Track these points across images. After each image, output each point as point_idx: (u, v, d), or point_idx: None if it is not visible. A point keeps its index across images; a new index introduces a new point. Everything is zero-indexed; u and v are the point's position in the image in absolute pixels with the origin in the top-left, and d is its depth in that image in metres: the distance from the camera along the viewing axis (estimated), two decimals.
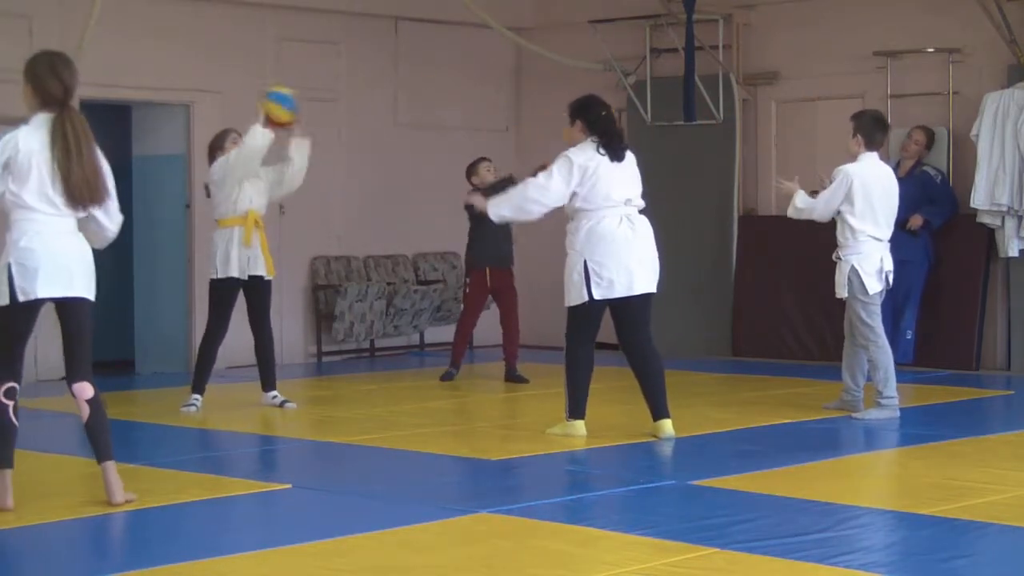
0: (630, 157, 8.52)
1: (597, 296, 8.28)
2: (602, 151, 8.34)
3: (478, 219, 11.25)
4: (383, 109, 13.96)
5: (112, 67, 11.82)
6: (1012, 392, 10.93)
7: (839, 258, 9.25)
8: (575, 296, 8.34)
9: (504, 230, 11.35)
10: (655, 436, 8.43)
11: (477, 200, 8.93)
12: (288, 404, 9.98)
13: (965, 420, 9.38)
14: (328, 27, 13.46)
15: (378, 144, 13.88)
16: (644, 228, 8.46)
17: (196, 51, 12.49)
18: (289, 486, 7.01)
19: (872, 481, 7.58)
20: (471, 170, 11.51)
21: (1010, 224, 11.73)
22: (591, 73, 13.80)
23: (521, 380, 11.29)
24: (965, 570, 5.37)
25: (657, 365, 8.50)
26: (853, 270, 9.13)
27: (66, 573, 5.60)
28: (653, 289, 8.45)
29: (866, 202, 9.13)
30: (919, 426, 8.94)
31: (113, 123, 13.03)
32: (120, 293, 12.95)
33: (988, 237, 11.99)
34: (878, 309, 9.22)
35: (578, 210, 8.35)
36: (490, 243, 11.34)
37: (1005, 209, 11.68)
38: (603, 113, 8.48)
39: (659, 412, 8.48)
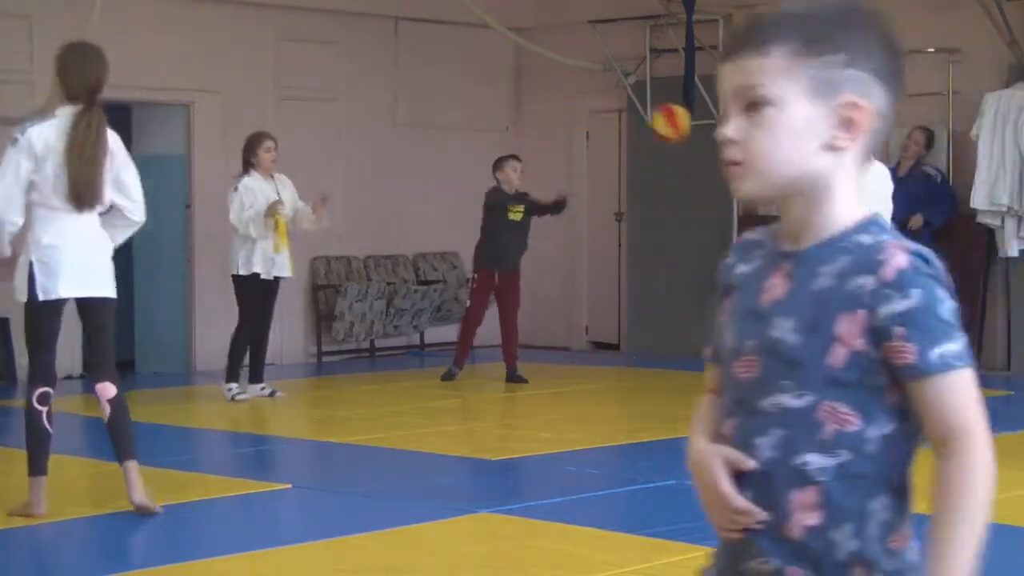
0: None
1: None
2: None
3: (495, 219, 11.23)
4: (383, 109, 13.96)
5: (112, 67, 11.69)
6: (1012, 392, 10.93)
7: None
8: None
9: (521, 237, 11.33)
10: None
11: None
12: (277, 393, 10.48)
13: None
14: (328, 27, 13.46)
15: (378, 144, 13.87)
16: None
17: (196, 51, 12.49)
18: (289, 486, 7.01)
19: None
20: (497, 166, 11.46)
21: (1010, 224, 11.73)
22: (591, 73, 13.80)
23: (521, 380, 11.29)
24: None
25: None
26: None
27: (67, 573, 5.60)
28: None
29: None
30: None
31: (113, 123, 12.92)
32: (120, 293, 12.82)
33: (988, 237, 11.99)
34: None
35: None
36: (503, 247, 11.28)
37: (1005, 209, 11.68)
38: None
39: None
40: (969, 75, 12.17)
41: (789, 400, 1.97)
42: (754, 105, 1.97)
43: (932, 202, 11.92)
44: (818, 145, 1.97)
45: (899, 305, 1.93)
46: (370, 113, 13.84)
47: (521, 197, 11.37)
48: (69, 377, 11.31)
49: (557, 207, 11.36)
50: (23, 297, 6.31)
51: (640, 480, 7.15)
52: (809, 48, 1.97)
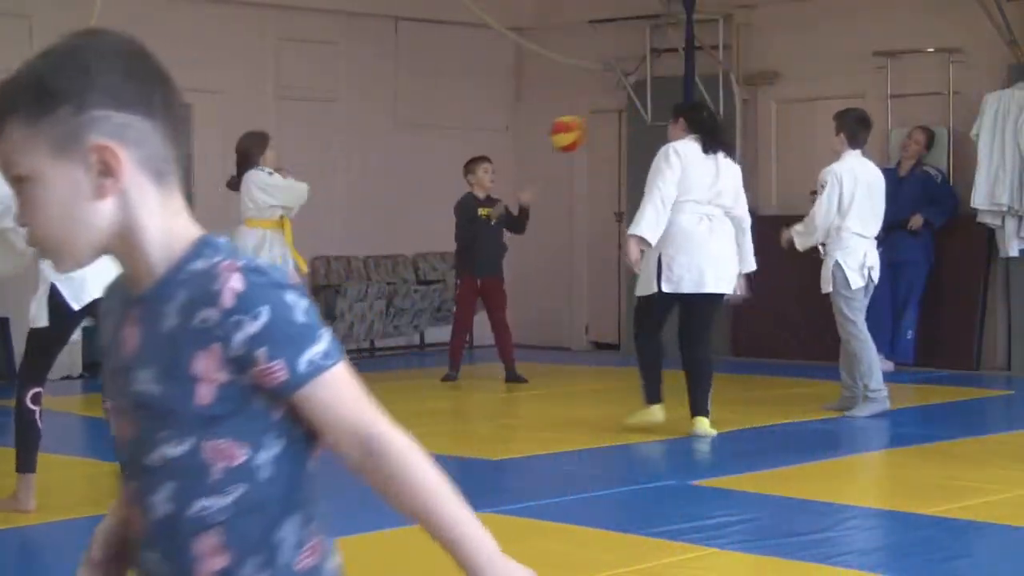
0: (729, 163, 8.72)
1: (666, 290, 8.42)
2: (697, 143, 8.56)
3: (468, 227, 11.26)
4: (383, 109, 13.96)
5: None
6: (1012, 392, 10.93)
7: (823, 254, 9.30)
8: (644, 287, 8.53)
9: (496, 239, 11.36)
10: (690, 432, 8.44)
11: (633, 253, 8.58)
12: None
13: (965, 420, 9.38)
14: (328, 27, 13.46)
15: (378, 144, 13.88)
16: (724, 229, 8.55)
17: (196, 51, 12.48)
18: None
19: (872, 481, 7.58)
20: (469, 168, 11.51)
21: (1010, 224, 11.73)
22: (591, 73, 13.80)
23: (520, 380, 11.27)
24: (965, 570, 5.37)
25: (702, 363, 8.55)
26: (836, 265, 9.19)
27: (66, 573, 5.60)
28: (725, 291, 8.55)
29: (849, 199, 9.18)
30: (919, 426, 8.94)
31: None
32: None
33: (988, 237, 11.98)
34: (860, 304, 9.25)
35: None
36: (481, 251, 11.29)
37: (1005, 209, 11.68)
38: (704, 114, 8.84)
39: (695, 409, 8.52)
40: (969, 75, 12.17)
41: (171, 450, 1.88)
42: (18, 185, 1.87)
43: (932, 202, 11.92)
44: (91, 200, 1.86)
45: (251, 328, 1.83)
46: (370, 113, 13.83)
47: (491, 202, 11.40)
48: (68, 377, 11.30)
49: (521, 220, 11.35)
50: (42, 322, 6.39)
51: (640, 480, 7.14)
52: (41, 108, 1.86)
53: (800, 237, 9.51)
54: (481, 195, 11.39)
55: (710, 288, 8.47)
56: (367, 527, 6.05)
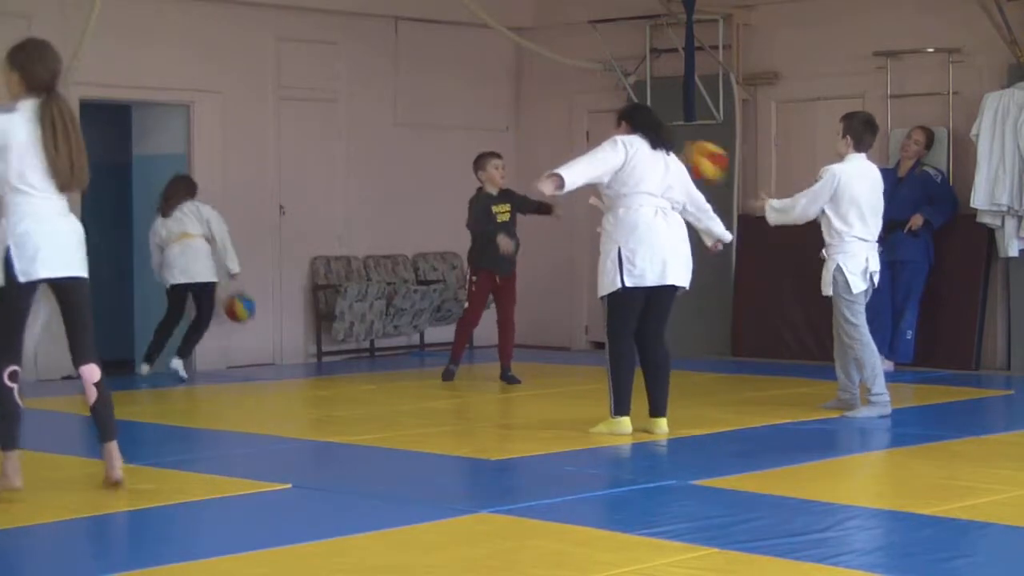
0: (675, 160, 8.63)
1: (628, 284, 8.35)
2: (644, 138, 8.47)
3: (484, 225, 11.12)
4: (383, 109, 13.96)
5: (112, 67, 11.82)
6: (1012, 392, 10.93)
7: (825, 257, 9.29)
8: (606, 285, 8.42)
9: (512, 236, 11.20)
10: (648, 431, 8.47)
11: (545, 187, 8.27)
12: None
13: (965, 420, 9.38)
14: (328, 27, 13.46)
15: (378, 144, 13.88)
16: (677, 223, 8.57)
17: (196, 51, 12.49)
18: (289, 486, 7.01)
19: (872, 481, 7.58)
20: (479, 164, 11.29)
21: (1010, 224, 11.73)
22: (591, 73, 13.80)
23: (514, 381, 11.24)
24: (965, 570, 5.37)
25: (665, 361, 8.56)
26: (838, 269, 9.17)
27: (66, 573, 5.60)
28: (683, 284, 8.57)
29: (851, 202, 9.16)
30: (919, 426, 8.94)
31: (113, 123, 13.03)
32: (120, 293, 12.95)
33: (988, 237, 11.99)
34: (862, 308, 9.24)
35: (614, 196, 8.43)
36: (496, 249, 11.13)
37: (1005, 209, 11.68)
38: (646, 113, 8.77)
39: (657, 408, 8.53)
40: (969, 75, 12.17)
41: None
42: None
43: (932, 202, 11.92)
44: None
45: None
46: (370, 113, 13.83)
47: (505, 196, 11.26)
48: (68, 377, 11.29)
49: (543, 210, 11.29)
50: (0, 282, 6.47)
51: (640, 480, 7.14)
52: None
53: (775, 213, 9.48)
54: (494, 191, 11.24)
55: (671, 280, 8.46)
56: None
